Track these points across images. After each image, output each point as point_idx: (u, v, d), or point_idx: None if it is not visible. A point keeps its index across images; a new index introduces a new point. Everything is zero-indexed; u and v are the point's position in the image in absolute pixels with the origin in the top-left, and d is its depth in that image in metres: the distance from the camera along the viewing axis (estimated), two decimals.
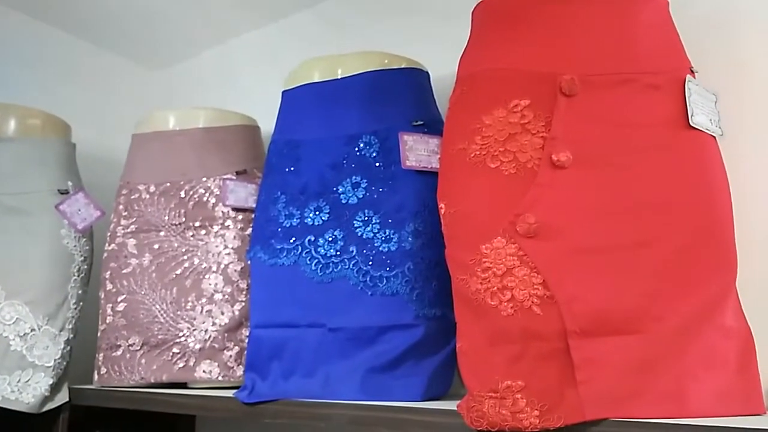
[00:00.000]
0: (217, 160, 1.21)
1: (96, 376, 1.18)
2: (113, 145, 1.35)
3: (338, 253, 0.93)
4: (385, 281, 0.90)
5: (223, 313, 1.14)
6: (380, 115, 0.97)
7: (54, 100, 1.30)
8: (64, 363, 1.17)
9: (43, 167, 1.22)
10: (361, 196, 0.94)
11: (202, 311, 1.14)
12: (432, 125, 0.99)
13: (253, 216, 1.15)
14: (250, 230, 1.17)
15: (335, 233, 0.94)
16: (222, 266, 1.16)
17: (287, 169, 1.00)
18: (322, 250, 0.94)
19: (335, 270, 0.92)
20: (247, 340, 1.12)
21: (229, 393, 0.98)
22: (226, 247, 1.17)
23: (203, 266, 1.17)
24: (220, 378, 1.11)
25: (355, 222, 0.93)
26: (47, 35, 1.55)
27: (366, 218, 0.93)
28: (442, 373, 0.90)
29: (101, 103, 1.58)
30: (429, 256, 0.91)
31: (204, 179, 1.20)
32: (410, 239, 0.91)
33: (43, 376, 1.12)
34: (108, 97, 1.60)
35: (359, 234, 0.92)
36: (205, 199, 1.20)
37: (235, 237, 1.18)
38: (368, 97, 0.98)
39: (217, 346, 1.12)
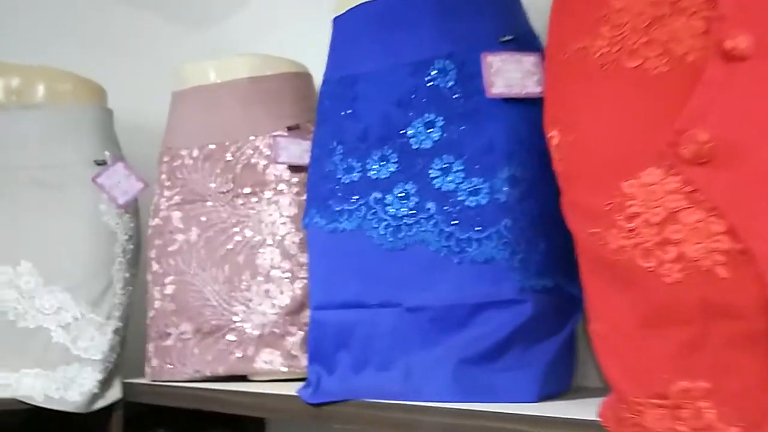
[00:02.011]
0: (265, 115, 1.04)
1: (147, 369, 1.05)
2: (152, 112, 1.19)
3: (412, 211, 0.72)
4: (475, 245, 0.69)
5: (282, 293, 0.97)
6: (456, 33, 0.75)
7: (86, 66, 1.16)
8: (114, 355, 1.04)
9: (77, 136, 1.08)
10: (437, 139, 0.73)
11: (258, 291, 0.98)
12: (524, 40, 0.76)
13: None
14: None
15: (407, 187, 0.73)
16: (278, 238, 0.99)
17: (343, 113, 0.81)
18: (392, 210, 0.74)
19: (409, 233, 0.72)
20: None
21: (294, 388, 0.81)
22: (281, 215, 1.00)
23: (257, 239, 1.00)
24: (283, 369, 0.95)
25: (431, 171, 0.73)
26: None
27: (445, 165, 0.72)
28: (561, 364, 0.69)
29: (137, 67, 1.43)
30: (532, 208, 0.70)
31: (251, 138, 1.03)
32: (506, 189, 0.69)
33: (91, 371, 0.99)
34: (144, 60, 1.45)
35: (437, 186, 0.72)
36: (253, 160, 1.02)
37: (290, 203, 1.00)
38: (439, 11, 0.76)
39: (277, 331, 0.96)
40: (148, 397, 1.02)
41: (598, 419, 0.51)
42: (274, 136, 1.02)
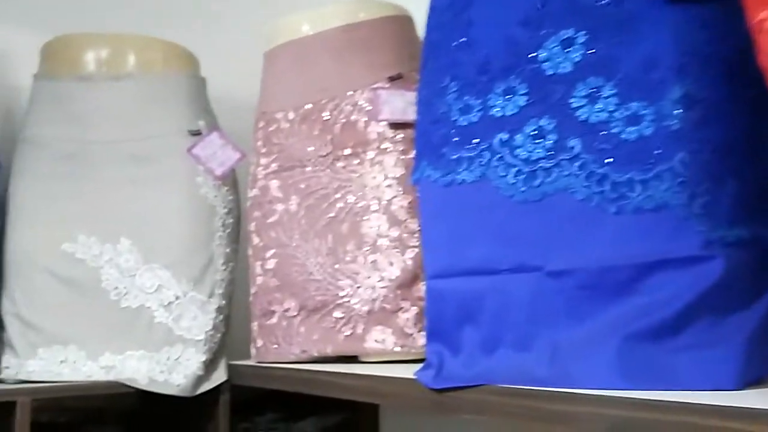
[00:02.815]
0: (362, 66, 0.93)
1: (253, 350, 0.98)
2: (247, 80, 1.11)
3: (550, 152, 0.58)
4: (640, 188, 0.53)
5: (392, 264, 0.86)
6: None
7: (177, 33, 1.09)
8: (218, 335, 0.97)
9: (169, 106, 1.02)
10: (578, 59, 0.58)
11: (365, 263, 0.87)
12: None
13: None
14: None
15: (541, 123, 0.59)
16: (384, 203, 0.88)
17: (455, 43, 0.67)
18: (524, 152, 0.60)
19: (548, 180, 0.58)
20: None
21: (411, 370, 0.70)
22: (386, 177, 0.89)
23: (361, 205, 0.89)
24: (396, 348, 0.84)
25: (573, 100, 0.58)
26: None
27: (591, 91, 0.57)
28: (766, 339, 0.52)
29: (229, 33, 1.35)
30: (716, 136, 0.53)
31: (350, 93, 0.92)
32: (678, 112, 0.53)
33: (194, 352, 0.93)
34: (236, 25, 1.37)
35: (583, 117, 0.57)
36: (353, 118, 0.92)
37: (396, 163, 0.89)
38: None
39: (388, 306, 0.85)
40: (254, 380, 0.95)
41: None
42: (374, 88, 0.91)
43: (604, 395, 0.48)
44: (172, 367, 0.92)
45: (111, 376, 0.91)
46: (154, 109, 1.01)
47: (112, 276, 0.95)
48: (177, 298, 0.95)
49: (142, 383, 0.91)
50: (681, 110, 0.53)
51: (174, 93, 1.03)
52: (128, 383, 0.90)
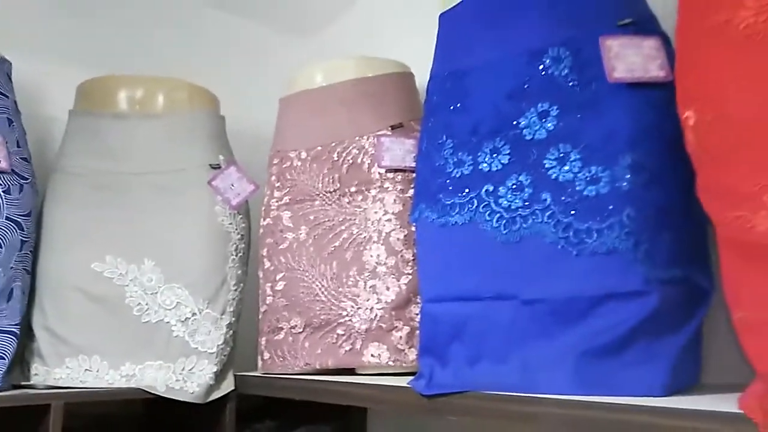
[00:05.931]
0: (369, 116, 1.06)
1: (259, 362, 1.09)
2: (261, 119, 1.25)
3: (526, 203, 0.71)
4: (595, 235, 0.67)
5: (388, 289, 0.98)
6: (569, 19, 0.74)
7: (199, 75, 1.23)
8: (228, 349, 1.09)
9: (193, 142, 1.14)
10: (551, 128, 0.72)
11: (365, 287, 0.99)
12: (643, 24, 0.73)
13: (413, 176, 0.98)
14: (411, 192, 1.01)
15: (520, 179, 0.72)
16: (383, 235, 1.00)
17: (452, 107, 0.81)
18: (505, 202, 0.73)
19: (524, 225, 0.71)
20: (417, 319, 0.96)
21: (403, 381, 0.82)
22: (386, 212, 1.01)
23: (363, 236, 1.02)
24: (390, 363, 0.96)
25: (546, 161, 0.71)
26: (187, 6, 1.50)
27: (561, 155, 0.71)
28: (689, 358, 0.65)
29: (245, 76, 1.50)
30: (657, 198, 0.67)
31: (357, 138, 1.06)
32: (628, 176, 0.67)
33: (207, 364, 1.04)
34: (252, 68, 1.52)
35: (553, 176, 0.70)
36: (359, 160, 1.05)
37: (395, 200, 1.01)
38: None
39: (384, 326, 0.97)
40: (260, 389, 1.06)
41: (740, 411, 0.48)
42: (378, 135, 1.04)
43: (563, 399, 0.61)
44: (187, 377, 1.03)
45: (131, 384, 1.00)
46: (179, 145, 1.13)
47: (135, 293, 1.05)
48: (193, 314, 1.05)
49: (160, 390, 1.01)
50: (630, 175, 0.67)
51: (197, 130, 1.16)
52: (148, 390, 1.00)
